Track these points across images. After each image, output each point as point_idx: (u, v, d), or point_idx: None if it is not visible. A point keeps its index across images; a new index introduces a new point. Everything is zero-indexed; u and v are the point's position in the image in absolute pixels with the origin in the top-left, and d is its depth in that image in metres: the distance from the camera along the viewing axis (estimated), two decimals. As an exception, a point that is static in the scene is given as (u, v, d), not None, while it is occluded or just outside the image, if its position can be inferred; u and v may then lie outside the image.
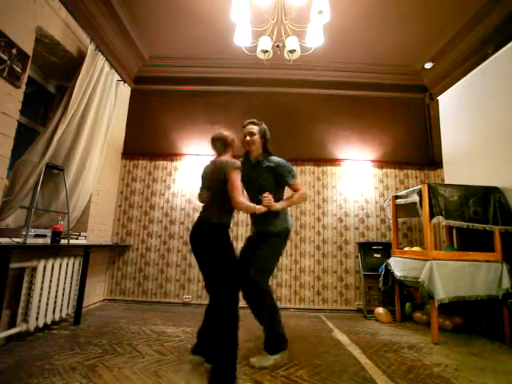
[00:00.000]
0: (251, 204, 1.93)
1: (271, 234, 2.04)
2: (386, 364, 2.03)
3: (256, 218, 2.11)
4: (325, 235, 3.82)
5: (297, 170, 3.97)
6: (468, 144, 3.21)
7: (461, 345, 2.47)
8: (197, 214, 3.85)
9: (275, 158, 2.13)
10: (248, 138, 2.14)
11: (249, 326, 2.18)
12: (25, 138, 2.76)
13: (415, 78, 4.13)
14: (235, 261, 1.88)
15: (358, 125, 4.09)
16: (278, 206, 2.01)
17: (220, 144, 2.00)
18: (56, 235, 2.45)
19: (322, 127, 4.09)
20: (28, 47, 2.23)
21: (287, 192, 2.18)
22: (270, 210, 1.96)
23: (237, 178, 1.83)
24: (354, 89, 4.16)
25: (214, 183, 1.90)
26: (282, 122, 4.05)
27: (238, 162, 1.90)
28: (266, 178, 2.09)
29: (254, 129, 2.15)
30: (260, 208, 1.92)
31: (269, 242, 2.03)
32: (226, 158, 1.95)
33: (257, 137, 2.14)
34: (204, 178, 2.02)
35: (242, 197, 1.83)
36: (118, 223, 3.84)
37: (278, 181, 2.11)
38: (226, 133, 2.02)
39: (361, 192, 3.94)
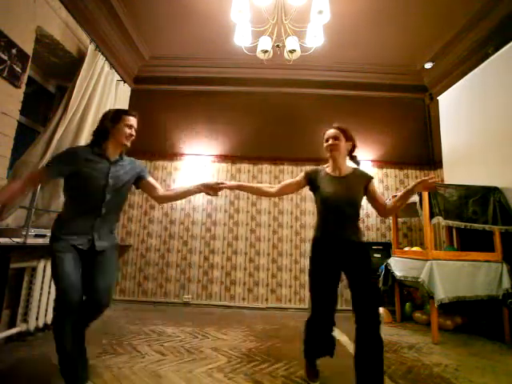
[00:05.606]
0: None
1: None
2: (386, 364, 2.01)
3: None
4: (325, 235, 3.81)
5: (297, 169, 3.97)
6: (468, 144, 3.21)
7: (461, 345, 2.47)
8: (196, 214, 3.93)
9: None
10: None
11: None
12: (25, 138, 2.76)
13: (415, 78, 4.13)
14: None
15: (357, 125, 4.08)
16: None
17: None
18: (56, 235, 2.45)
19: (322, 127, 4.04)
20: (28, 47, 2.23)
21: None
22: None
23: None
24: (354, 89, 4.15)
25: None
26: (281, 121, 4.05)
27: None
28: None
29: None
30: None
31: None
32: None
33: None
34: None
35: None
36: (118, 223, 3.83)
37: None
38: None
39: (361, 192, 3.93)
